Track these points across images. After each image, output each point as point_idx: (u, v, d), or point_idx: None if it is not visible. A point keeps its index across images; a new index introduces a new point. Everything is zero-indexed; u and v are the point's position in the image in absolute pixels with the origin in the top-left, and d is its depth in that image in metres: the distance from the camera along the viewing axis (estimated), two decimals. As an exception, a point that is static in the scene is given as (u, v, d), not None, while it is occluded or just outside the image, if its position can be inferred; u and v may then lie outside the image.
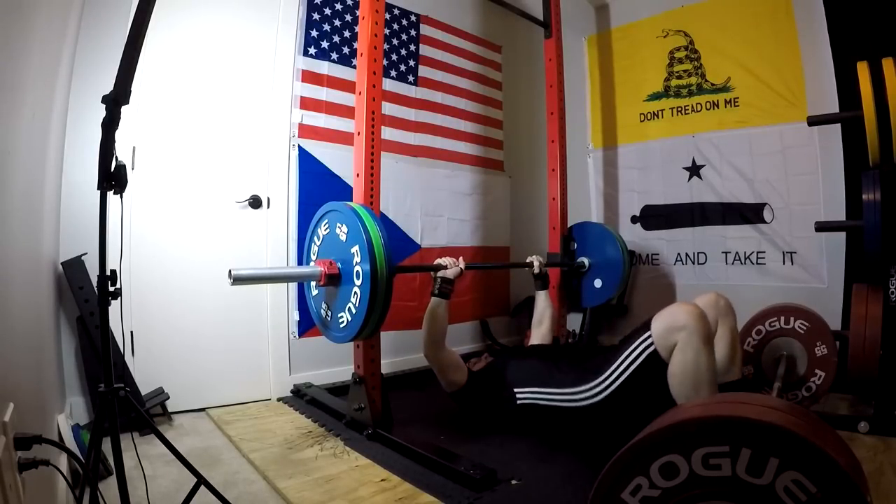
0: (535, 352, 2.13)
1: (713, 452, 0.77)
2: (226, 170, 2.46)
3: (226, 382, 2.41)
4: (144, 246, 2.18)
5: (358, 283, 1.78)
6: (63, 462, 1.33)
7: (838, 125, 2.47)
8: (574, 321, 3.22)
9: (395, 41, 3.08)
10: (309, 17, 2.72)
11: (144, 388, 2.14)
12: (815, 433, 0.76)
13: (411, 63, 3.17)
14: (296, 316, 2.63)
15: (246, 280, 1.71)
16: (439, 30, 3.31)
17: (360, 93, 2.09)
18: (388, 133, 2.93)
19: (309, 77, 2.72)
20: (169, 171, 2.30)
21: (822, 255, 2.62)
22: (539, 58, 3.21)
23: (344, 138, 2.74)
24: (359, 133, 2.08)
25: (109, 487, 1.30)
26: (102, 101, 1.10)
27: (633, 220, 3.37)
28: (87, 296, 1.98)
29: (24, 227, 1.18)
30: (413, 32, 3.18)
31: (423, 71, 3.22)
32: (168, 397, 2.17)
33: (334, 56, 2.81)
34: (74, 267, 1.99)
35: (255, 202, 2.52)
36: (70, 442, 1.57)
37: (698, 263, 3.08)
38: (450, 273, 2.04)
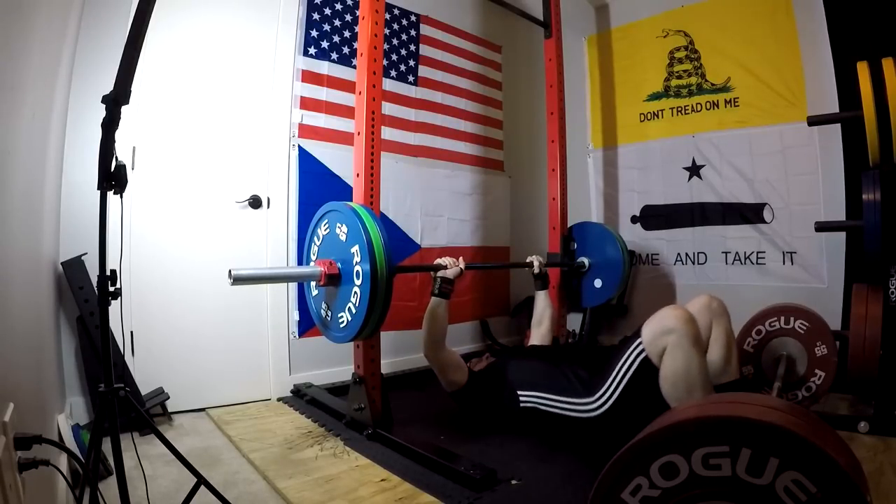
0: (537, 354, 2.13)
1: (713, 452, 0.77)
2: (226, 170, 2.46)
3: (226, 382, 2.41)
4: (144, 246, 2.18)
5: (358, 283, 1.78)
6: (63, 462, 1.33)
7: (838, 125, 2.47)
8: (574, 321, 3.22)
9: (395, 41, 3.08)
10: (309, 17, 2.72)
11: (144, 388, 2.14)
12: (815, 433, 0.76)
13: (411, 63, 3.17)
14: (296, 316, 2.63)
15: (246, 280, 1.71)
16: (439, 30, 3.31)
17: (360, 93, 2.09)
18: (388, 133, 2.93)
19: (309, 77, 2.72)
20: (169, 171, 2.30)
21: (822, 255, 2.62)
22: (539, 58, 3.21)
23: (344, 138, 2.74)
24: (359, 133, 2.08)
25: (109, 487, 1.30)
26: (102, 101, 1.10)
27: (633, 220, 3.37)
28: (87, 296, 1.98)
29: (24, 227, 1.18)
30: (413, 32, 3.18)
31: (423, 71, 3.22)
32: (168, 397, 2.17)
33: (334, 56, 2.81)
34: (74, 267, 1.99)
35: (255, 202, 2.52)
36: (70, 442, 1.57)
37: (698, 263, 3.08)
38: (449, 273, 2.03)
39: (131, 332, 2.16)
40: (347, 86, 2.74)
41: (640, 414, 1.40)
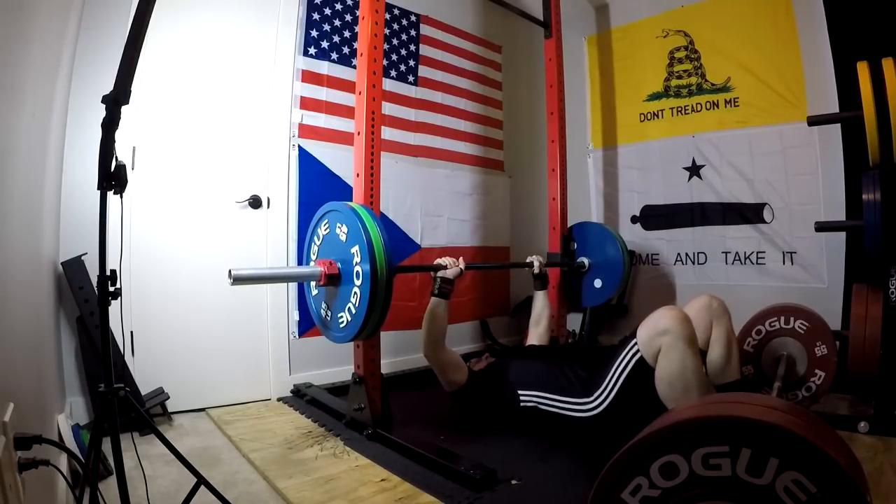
0: (537, 353, 2.13)
1: (713, 452, 0.77)
2: (226, 170, 2.46)
3: (226, 382, 2.41)
4: (144, 246, 2.19)
5: (358, 283, 1.78)
6: (63, 462, 1.33)
7: (838, 125, 2.47)
8: (574, 321, 3.22)
9: (395, 41, 3.08)
10: (309, 17, 2.72)
11: (144, 388, 2.14)
12: (815, 433, 0.76)
13: (411, 63, 3.17)
14: (296, 316, 2.63)
15: (246, 280, 1.71)
16: (439, 30, 3.31)
17: (360, 93, 2.09)
18: (388, 133, 2.93)
19: (309, 77, 2.72)
20: (169, 171, 2.30)
21: (822, 255, 2.62)
22: (539, 58, 3.21)
23: (344, 138, 2.74)
24: (359, 133, 2.08)
25: (109, 487, 1.30)
26: (102, 101, 1.10)
27: (633, 220, 3.37)
28: (87, 296, 1.98)
29: (24, 227, 1.18)
30: (413, 32, 3.18)
31: (423, 71, 3.22)
32: (168, 397, 2.17)
33: (334, 56, 2.81)
34: (74, 267, 1.99)
35: (255, 202, 2.52)
36: (70, 442, 1.57)
37: (698, 263, 3.08)
38: (449, 273, 2.04)
39: (131, 332, 2.16)
40: (347, 86, 2.74)
41: (637, 414, 1.40)
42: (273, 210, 2.58)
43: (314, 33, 2.74)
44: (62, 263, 1.97)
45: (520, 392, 1.88)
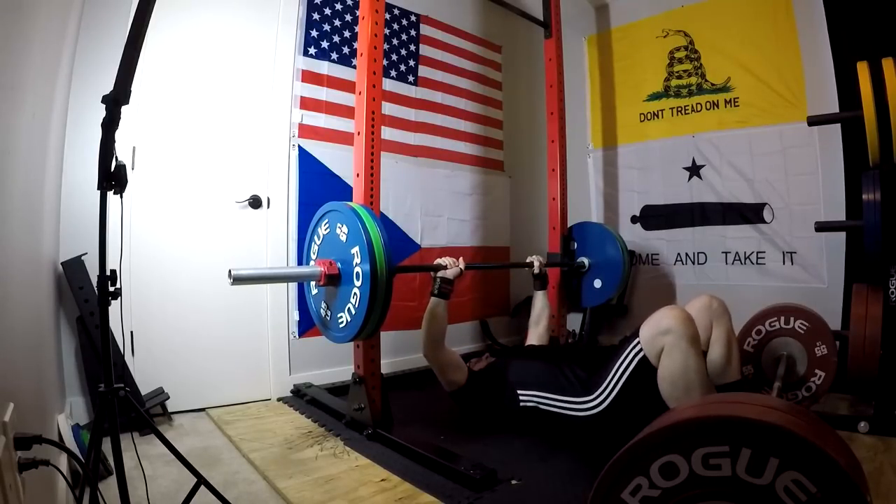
0: (537, 353, 2.13)
1: (713, 452, 0.77)
2: (226, 170, 2.46)
3: (226, 382, 2.41)
4: (144, 246, 2.18)
5: (358, 283, 1.78)
6: (63, 462, 1.33)
7: (838, 125, 2.47)
8: (574, 321, 3.22)
9: (395, 41, 3.08)
10: (309, 17, 2.72)
11: (144, 388, 2.14)
12: (815, 433, 0.76)
13: (411, 63, 3.17)
14: (296, 316, 2.63)
15: (246, 280, 1.71)
16: (439, 30, 3.31)
17: (360, 93, 2.09)
18: (388, 133, 2.93)
19: (309, 77, 2.72)
20: (169, 171, 2.30)
21: (822, 255, 2.62)
22: (539, 58, 3.21)
23: (344, 138, 2.74)
24: (359, 133, 2.08)
25: (109, 487, 1.30)
26: (102, 101, 1.10)
27: (633, 220, 3.37)
28: (87, 296, 1.98)
29: (24, 227, 1.18)
30: (413, 32, 3.18)
31: (423, 71, 3.22)
32: (168, 397, 2.17)
33: (334, 56, 2.81)
34: (74, 267, 1.99)
35: (255, 202, 2.52)
36: (70, 442, 1.57)
37: (698, 263, 3.08)
38: (449, 273, 2.04)
39: (131, 332, 2.16)
40: (347, 86, 2.74)
41: (638, 413, 1.40)
42: (273, 210, 2.58)
43: (314, 33, 2.74)
44: (62, 263, 1.97)
45: (519, 392, 1.88)
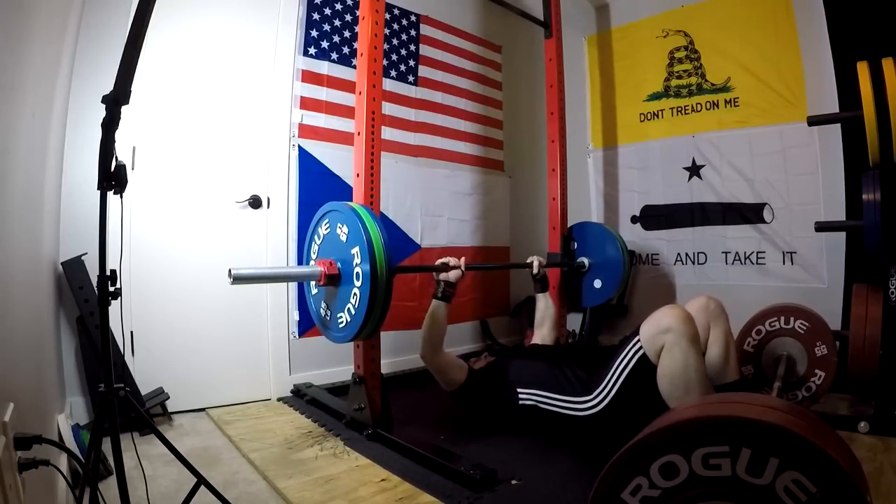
0: (537, 353, 2.13)
1: (713, 452, 0.77)
2: (226, 170, 2.46)
3: (226, 382, 2.41)
4: (144, 246, 2.18)
5: (358, 283, 1.78)
6: (63, 462, 1.33)
7: (838, 125, 2.47)
8: (574, 321, 3.22)
9: (395, 41, 3.08)
10: (309, 17, 2.72)
11: (144, 388, 2.14)
12: (815, 433, 0.76)
13: (411, 63, 3.17)
14: (296, 316, 2.63)
15: (246, 280, 1.71)
16: (439, 30, 3.31)
17: (360, 93, 2.09)
18: (388, 133, 2.93)
19: (309, 77, 2.72)
20: (169, 171, 2.30)
21: (822, 255, 2.62)
22: (539, 58, 3.21)
23: (344, 138, 2.74)
24: (359, 133, 2.08)
25: (109, 487, 1.30)
26: (102, 101, 1.10)
27: (633, 220, 3.37)
28: (87, 296, 1.98)
29: (24, 227, 1.18)
30: (413, 32, 3.18)
31: (423, 71, 3.22)
32: (168, 397, 2.17)
33: (334, 56, 2.81)
34: (74, 267, 1.99)
35: (255, 202, 2.52)
36: (70, 442, 1.57)
37: (698, 263, 3.08)
38: (452, 276, 2.04)
39: (131, 332, 2.16)
40: (347, 86, 2.74)
41: (638, 412, 1.41)
42: (273, 210, 2.58)
43: (314, 33, 2.74)
44: (62, 263, 1.97)
45: (519, 391, 1.88)
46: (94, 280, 1.24)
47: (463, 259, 2.10)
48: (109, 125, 1.11)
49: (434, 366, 2.01)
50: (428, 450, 1.73)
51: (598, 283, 2.90)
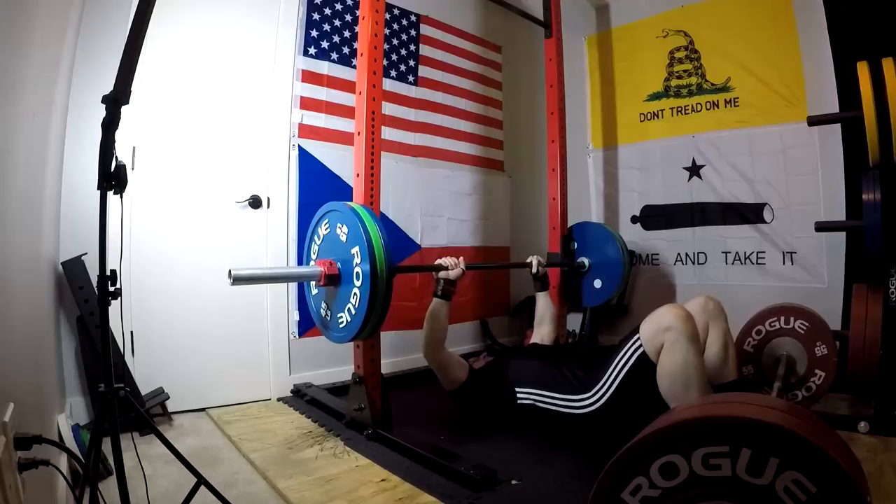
0: (536, 353, 2.13)
1: (713, 452, 0.77)
2: (226, 170, 2.46)
3: (226, 382, 2.41)
4: (144, 246, 2.18)
5: (358, 283, 1.78)
6: (63, 462, 1.33)
7: (838, 125, 2.47)
8: (574, 321, 3.22)
9: (395, 41, 3.08)
10: (309, 17, 2.72)
11: (144, 388, 2.14)
12: (815, 433, 0.76)
13: (411, 63, 3.17)
14: (296, 316, 2.63)
15: (246, 280, 1.71)
16: (439, 30, 3.31)
17: (360, 93, 2.09)
18: (388, 133, 2.93)
19: (309, 77, 2.72)
20: (169, 171, 2.30)
21: (822, 255, 2.62)
22: (539, 58, 3.21)
23: (344, 138, 2.74)
24: (359, 133, 2.08)
25: (109, 487, 1.30)
26: (102, 101, 1.10)
27: (633, 220, 3.37)
28: (87, 296, 1.98)
29: (24, 227, 1.18)
30: (413, 32, 3.18)
31: (423, 71, 3.22)
32: (168, 397, 2.17)
33: (334, 56, 2.81)
34: (74, 267, 1.99)
35: (255, 202, 2.52)
36: (70, 442, 1.57)
37: (698, 263, 3.08)
38: (452, 274, 2.04)
39: (131, 332, 2.16)
40: (347, 86, 2.74)
41: (636, 411, 1.41)
42: (273, 210, 2.58)
43: (314, 33, 2.74)
44: (62, 263, 1.97)
45: (517, 390, 1.88)
46: (94, 280, 1.24)
47: (462, 258, 2.10)
48: (109, 125, 1.11)
49: (436, 364, 2.01)
50: (428, 450, 1.73)
51: (598, 283, 2.90)
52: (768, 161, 2.79)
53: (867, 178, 1.90)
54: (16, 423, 0.83)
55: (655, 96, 3.26)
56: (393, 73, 3.06)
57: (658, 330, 1.53)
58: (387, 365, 2.26)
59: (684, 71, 3.13)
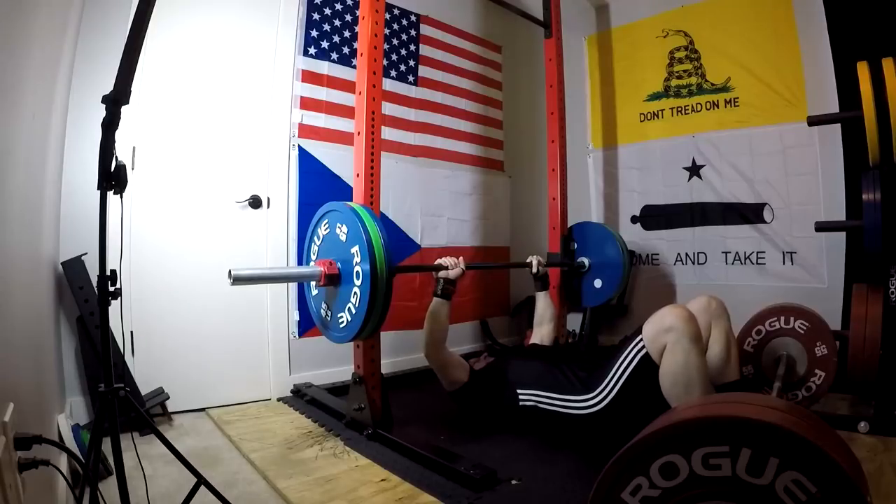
0: (537, 353, 2.13)
1: (713, 452, 0.77)
2: (226, 170, 2.46)
3: (226, 382, 2.41)
4: (144, 246, 2.18)
5: (358, 283, 1.78)
6: (63, 462, 1.33)
7: (838, 125, 2.47)
8: (574, 321, 3.22)
9: (395, 41, 3.08)
10: (309, 16, 2.72)
11: (144, 388, 2.14)
12: (815, 433, 0.76)
13: (411, 63, 3.17)
14: (296, 316, 2.63)
15: (246, 280, 1.71)
16: (439, 30, 3.31)
17: (360, 93, 2.09)
18: (388, 133, 2.93)
19: (309, 77, 2.72)
20: (169, 171, 2.30)
21: (822, 255, 2.62)
22: (539, 58, 3.21)
23: (344, 138, 2.74)
24: (359, 133, 2.08)
25: (109, 487, 1.30)
26: (102, 101, 1.10)
27: (633, 220, 3.37)
28: (87, 296, 1.98)
29: (24, 227, 1.18)
30: (413, 32, 3.18)
31: (423, 71, 3.22)
32: (168, 397, 2.17)
33: (334, 56, 2.81)
34: (74, 267, 1.99)
35: (255, 202, 2.52)
36: (70, 442, 1.57)
37: (698, 263, 3.08)
38: (452, 274, 2.04)
39: (131, 332, 2.16)
40: (347, 86, 2.74)
41: (638, 412, 1.41)
42: (273, 210, 2.58)
43: (314, 33, 2.74)
44: (62, 263, 1.97)
45: (519, 391, 1.88)
46: (94, 280, 1.24)
47: (461, 258, 2.10)
48: (109, 125, 1.11)
49: (437, 363, 2.01)
50: (428, 450, 1.73)
51: (598, 283, 2.90)
52: (768, 161, 2.79)
53: (867, 178, 1.90)
54: (16, 423, 0.83)
55: (655, 96, 3.27)
56: (393, 73, 3.06)
57: (660, 331, 1.53)
58: (387, 365, 2.26)
59: (684, 71, 3.13)
